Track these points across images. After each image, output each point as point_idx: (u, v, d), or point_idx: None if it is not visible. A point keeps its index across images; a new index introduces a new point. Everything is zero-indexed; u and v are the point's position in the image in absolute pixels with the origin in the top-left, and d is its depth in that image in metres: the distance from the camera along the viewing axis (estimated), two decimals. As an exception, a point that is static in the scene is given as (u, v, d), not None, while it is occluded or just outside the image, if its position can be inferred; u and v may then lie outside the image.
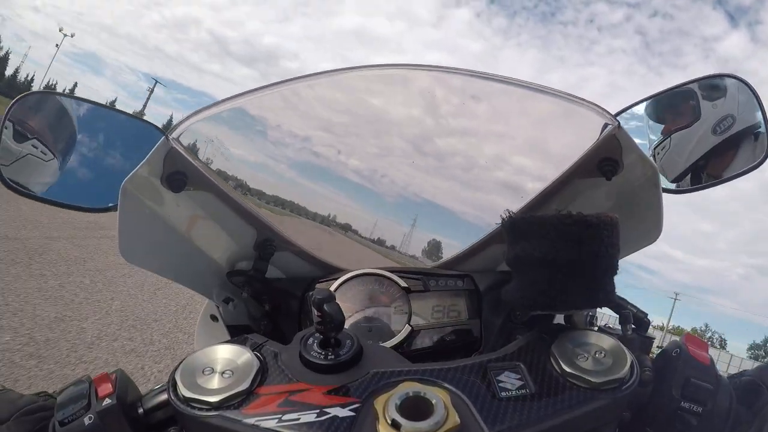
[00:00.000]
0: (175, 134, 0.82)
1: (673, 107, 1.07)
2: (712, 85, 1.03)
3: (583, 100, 0.84)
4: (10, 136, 0.90)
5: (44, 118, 0.97)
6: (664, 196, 0.85)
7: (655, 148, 1.07)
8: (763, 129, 0.98)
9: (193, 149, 0.87)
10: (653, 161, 0.83)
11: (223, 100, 0.86)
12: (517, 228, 0.65)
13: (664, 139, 1.07)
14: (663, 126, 1.09)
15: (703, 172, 1.03)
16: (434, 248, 1.21)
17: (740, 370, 0.82)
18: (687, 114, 1.05)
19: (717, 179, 1.00)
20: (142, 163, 0.78)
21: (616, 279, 0.64)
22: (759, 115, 0.99)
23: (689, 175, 1.04)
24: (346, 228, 1.22)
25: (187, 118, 0.83)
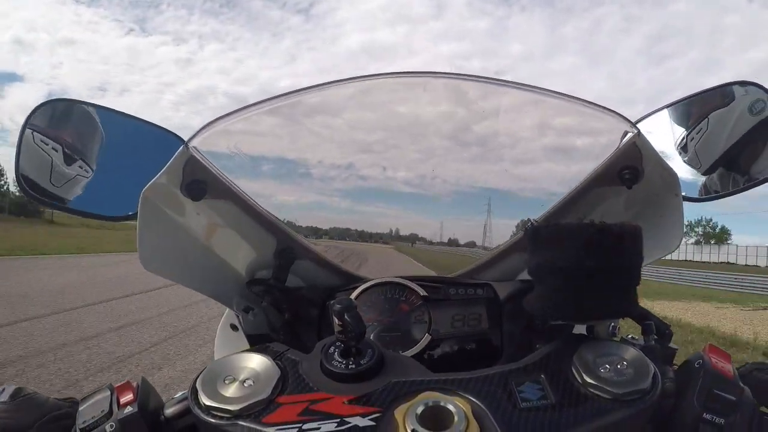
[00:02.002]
0: (194, 142, 0.82)
1: (701, 102, 1.04)
2: (721, 91, 1.01)
3: (602, 107, 0.84)
4: (61, 160, 0.92)
5: (81, 133, 0.97)
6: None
7: (687, 136, 1.03)
8: None
9: (214, 157, 0.88)
10: (672, 169, 0.81)
11: (241, 109, 0.86)
12: (540, 237, 0.65)
13: (700, 122, 1.02)
14: (683, 131, 1.06)
15: (738, 161, 0.99)
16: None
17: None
18: (720, 98, 1.01)
19: (749, 171, 0.97)
20: (161, 171, 0.79)
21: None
22: None
23: (721, 169, 1.00)
24: (412, 239, 1.22)
25: (207, 125, 0.83)
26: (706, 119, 1.01)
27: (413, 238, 1.22)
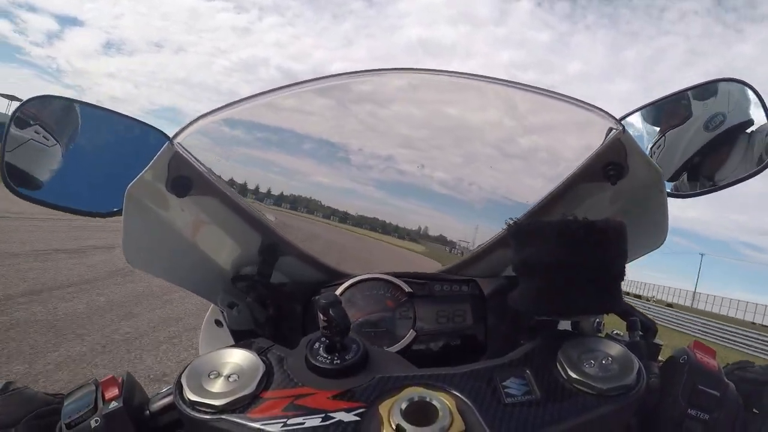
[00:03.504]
0: (179, 139, 0.82)
1: (667, 110, 1.10)
2: (704, 88, 1.06)
3: (587, 103, 0.84)
4: (47, 155, 0.93)
5: (49, 111, 0.98)
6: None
7: (651, 148, 1.10)
8: (756, 128, 1.01)
9: (198, 153, 0.87)
10: (657, 165, 0.82)
11: (227, 105, 0.86)
12: (523, 233, 0.65)
13: (659, 138, 1.11)
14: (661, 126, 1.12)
15: (700, 170, 1.05)
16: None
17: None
18: (680, 114, 1.09)
19: (712, 178, 1.04)
20: (146, 168, 0.78)
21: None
22: (749, 114, 1.04)
23: (685, 175, 1.07)
24: (444, 242, 1.21)
25: (192, 122, 0.83)
26: (663, 137, 1.10)
27: (442, 240, 1.21)
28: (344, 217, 1.18)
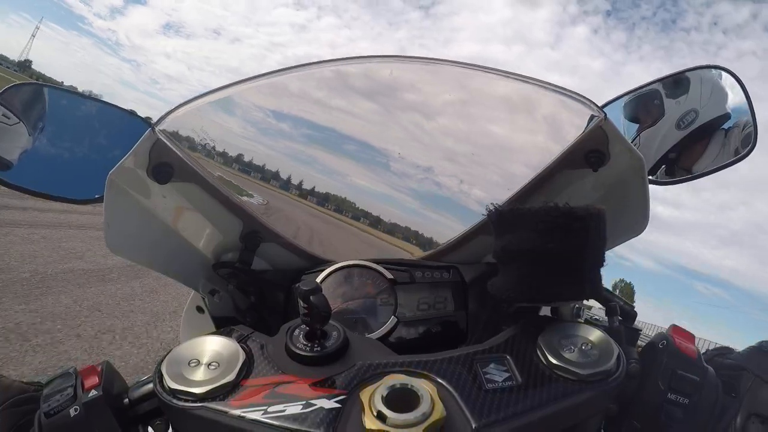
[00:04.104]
0: (161, 126, 0.81)
1: (641, 108, 1.12)
2: (675, 82, 1.08)
3: (570, 91, 0.84)
4: (27, 141, 0.92)
5: (26, 98, 0.97)
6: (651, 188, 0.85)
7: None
8: (732, 123, 1.03)
9: (180, 140, 0.87)
10: (639, 153, 0.83)
11: (209, 92, 0.86)
12: (504, 220, 0.65)
13: (635, 138, 1.13)
14: (638, 125, 1.15)
15: (677, 165, 1.07)
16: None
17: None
18: (653, 113, 1.11)
19: (689, 171, 1.05)
20: (127, 154, 0.78)
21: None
22: (725, 108, 1.06)
23: (663, 168, 1.09)
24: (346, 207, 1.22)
25: (174, 109, 0.83)
26: (638, 137, 1.13)
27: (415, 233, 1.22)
28: (324, 200, 1.18)
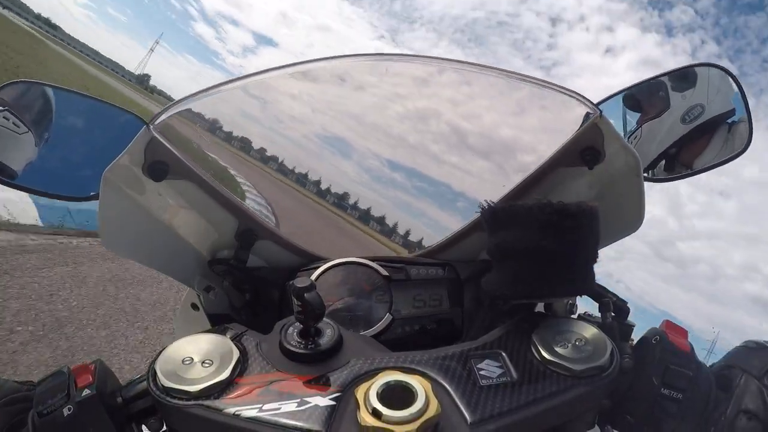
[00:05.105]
0: (156, 123, 0.82)
1: (645, 99, 1.10)
2: (682, 76, 1.06)
3: (565, 88, 0.84)
4: (24, 140, 0.92)
5: (20, 97, 0.97)
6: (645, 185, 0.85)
7: (628, 139, 1.10)
8: (737, 118, 1.01)
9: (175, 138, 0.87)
10: (635, 150, 0.83)
11: (203, 91, 0.87)
12: (497, 217, 0.65)
13: (636, 130, 1.10)
14: (639, 116, 1.12)
15: (677, 160, 1.06)
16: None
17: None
18: (657, 105, 1.08)
19: (690, 166, 1.04)
20: (123, 152, 0.79)
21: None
22: (731, 103, 1.03)
23: (663, 163, 1.07)
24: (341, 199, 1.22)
25: (169, 107, 0.83)
26: (640, 129, 1.09)
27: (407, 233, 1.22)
28: (323, 194, 1.18)
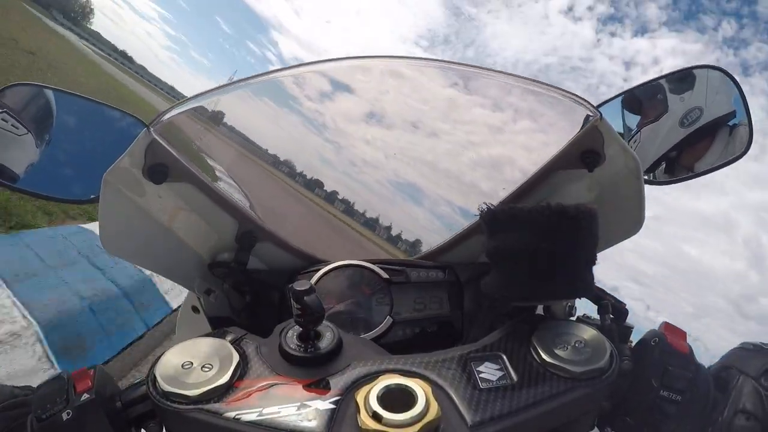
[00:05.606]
0: (157, 126, 0.82)
1: (644, 102, 1.10)
2: (680, 78, 1.05)
3: (565, 91, 0.84)
4: (25, 142, 0.92)
5: (19, 99, 0.97)
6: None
7: (627, 142, 1.10)
8: (737, 121, 1.00)
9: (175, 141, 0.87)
10: (635, 153, 0.83)
11: (202, 93, 0.87)
12: (497, 220, 0.65)
13: (635, 134, 1.10)
14: (639, 119, 1.12)
15: (677, 163, 1.05)
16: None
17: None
18: (656, 108, 1.08)
19: (691, 169, 1.03)
20: (123, 155, 0.79)
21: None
22: (731, 106, 1.02)
23: (662, 166, 1.07)
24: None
25: (169, 109, 0.83)
26: (639, 133, 1.09)
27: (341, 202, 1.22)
28: (327, 196, 1.18)
